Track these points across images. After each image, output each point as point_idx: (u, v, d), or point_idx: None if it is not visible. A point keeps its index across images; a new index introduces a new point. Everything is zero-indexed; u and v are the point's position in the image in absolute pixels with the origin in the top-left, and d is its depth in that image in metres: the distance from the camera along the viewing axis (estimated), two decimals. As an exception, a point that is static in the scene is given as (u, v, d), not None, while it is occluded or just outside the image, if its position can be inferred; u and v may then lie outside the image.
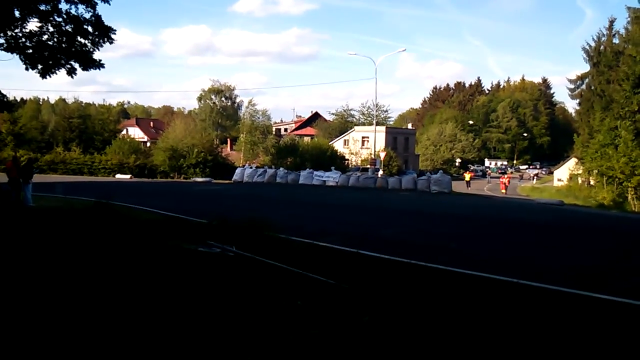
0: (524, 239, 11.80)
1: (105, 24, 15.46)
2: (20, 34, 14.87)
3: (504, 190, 41.19)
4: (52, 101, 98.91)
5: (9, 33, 14.64)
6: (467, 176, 46.11)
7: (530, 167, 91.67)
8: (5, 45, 14.70)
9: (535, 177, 69.15)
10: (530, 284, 6.49)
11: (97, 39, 15.32)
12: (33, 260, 6.41)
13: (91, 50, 15.42)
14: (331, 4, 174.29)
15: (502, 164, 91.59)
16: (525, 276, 6.86)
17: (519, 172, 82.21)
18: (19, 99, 69.09)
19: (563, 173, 53.83)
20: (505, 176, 47.82)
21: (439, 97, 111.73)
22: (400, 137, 61.22)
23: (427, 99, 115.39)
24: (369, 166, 40.59)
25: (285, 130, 79.89)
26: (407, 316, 4.81)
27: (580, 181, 44.88)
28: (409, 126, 75.64)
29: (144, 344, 3.87)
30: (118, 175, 39.76)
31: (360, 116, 73.01)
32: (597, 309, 5.59)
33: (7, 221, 10.06)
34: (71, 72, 15.61)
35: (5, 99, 15.60)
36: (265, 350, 3.87)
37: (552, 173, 65.99)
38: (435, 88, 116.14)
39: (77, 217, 9.83)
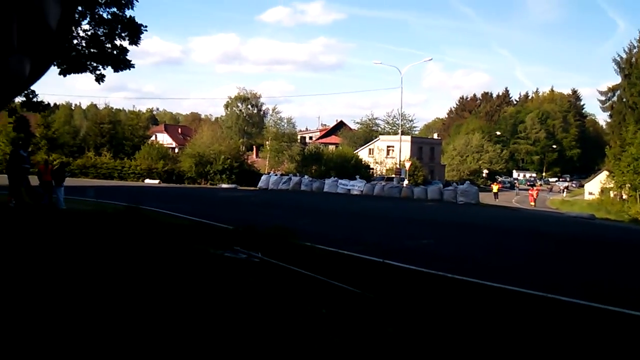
0: (550, 251, 11.54)
1: (136, 21, 15.48)
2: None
3: (532, 203, 40.39)
4: (84, 107, 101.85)
5: None
6: (495, 188, 45.41)
7: (560, 179, 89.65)
8: None
9: (565, 189, 67.63)
10: (559, 298, 6.34)
11: (128, 40, 15.44)
12: (65, 262, 6.57)
13: (120, 52, 15.59)
14: (358, 14, 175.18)
15: (530, 176, 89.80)
16: (545, 289, 6.71)
17: (548, 185, 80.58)
18: (52, 104, 71.23)
19: (594, 186, 52.51)
20: (534, 188, 46.91)
21: (466, 107, 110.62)
22: (425, 147, 60.77)
23: (453, 108, 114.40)
24: (394, 175, 40.39)
25: (310, 138, 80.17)
26: (432, 329, 4.75)
27: (612, 195, 43.71)
28: (435, 136, 75.03)
29: (170, 347, 3.91)
30: (147, 180, 40.49)
31: (386, 125, 72.88)
32: None
33: (40, 223, 10.34)
34: (99, 78, 15.85)
35: (36, 99, 15.95)
36: (288, 357, 3.87)
37: (582, 186, 64.49)
38: (462, 98, 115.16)
39: (107, 221, 10.05)
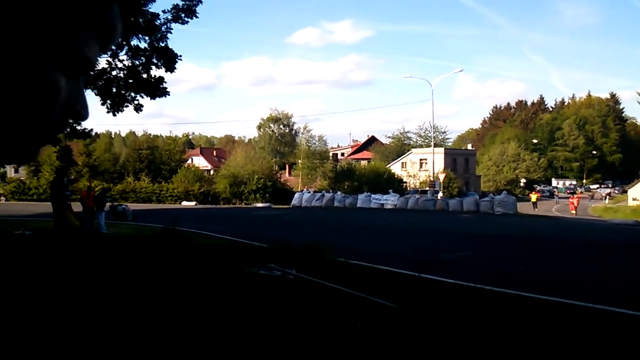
0: (587, 260, 11.15)
1: (172, 51, 16.05)
2: (93, 73, 15.95)
3: (573, 211, 39.10)
4: (123, 134, 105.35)
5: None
6: (534, 197, 44.23)
7: (602, 186, 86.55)
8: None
9: (607, 196, 65.22)
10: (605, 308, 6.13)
11: (164, 68, 15.98)
12: (106, 283, 6.80)
13: (157, 81, 16.14)
14: (387, 30, 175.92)
15: (570, 184, 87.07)
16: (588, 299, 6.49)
17: (589, 192, 77.93)
18: (93, 133, 73.99)
19: (638, 192, 50.52)
20: (575, 196, 45.46)
21: (500, 117, 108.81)
22: (459, 158, 59.97)
23: (487, 118, 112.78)
24: (427, 188, 39.96)
25: (342, 154, 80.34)
26: (470, 343, 4.68)
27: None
28: (469, 147, 73.95)
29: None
30: (184, 203, 41.38)
31: (418, 138, 72.43)
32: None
33: (84, 247, 10.72)
34: (138, 108, 16.44)
35: (79, 128, 16.64)
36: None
37: (625, 192, 62.01)
38: (495, 107, 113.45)
39: (146, 243, 10.33)
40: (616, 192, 75.22)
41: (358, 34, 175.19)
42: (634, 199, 50.82)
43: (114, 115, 16.15)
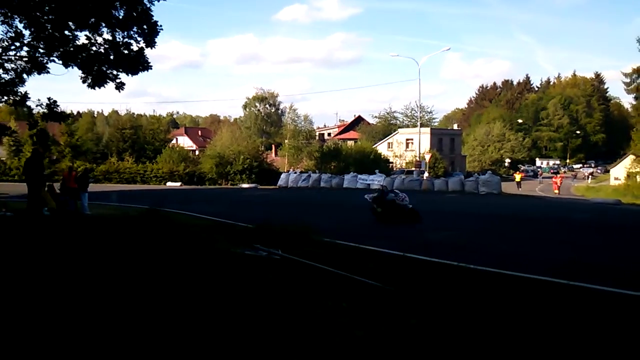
0: (559, 238, 11.33)
1: (153, 20, 15.60)
2: (73, 48, 15.52)
3: (557, 191, 39.66)
4: (105, 113, 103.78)
5: (62, 49, 15.32)
6: (518, 177, 44.73)
7: (585, 165, 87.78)
8: (61, 57, 15.35)
9: (590, 176, 66.21)
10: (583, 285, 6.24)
11: (144, 39, 15.58)
12: (91, 264, 6.73)
13: (138, 54, 15.74)
14: (374, 7, 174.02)
15: (554, 164, 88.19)
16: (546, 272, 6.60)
17: (572, 172, 79.02)
18: (75, 113, 72.72)
19: (620, 171, 51.32)
20: (558, 176, 46.05)
21: (486, 96, 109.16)
22: (445, 138, 60.19)
23: (473, 98, 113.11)
24: (413, 168, 40.13)
25: (329, 134, 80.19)
26: (455, 320, 4.73)
27: (639, 179, 42.64)
28: (455, 127, 74.24)
29: (194, 341, 3.99)
30: (169, 183, 41.07)
31: (404, 118, 72.44)
32: None
33: (66, 228, 10.59)
34: (119, 86, 16.12)
35: (57, 109, 16.28)
36: (310, 350, 3.91)
37: (608, 171, 63.07)
38: (481, 87, 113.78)
39: (131, 224, 10.23)
40: (599, 171, 76.41)
41: (346, 11, 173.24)
42: (616, 178, 51.68)
43: (94, 88, 15.76)
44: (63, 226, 10.80)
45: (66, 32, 15.17)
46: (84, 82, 15.71)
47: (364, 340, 4.11)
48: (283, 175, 39.21)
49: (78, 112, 79.21)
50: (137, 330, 4.20)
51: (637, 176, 42.99)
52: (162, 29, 15.70)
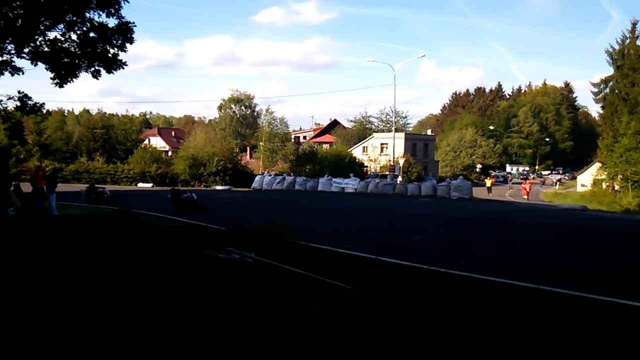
0: (534, 241, 11.61)
1: (127, 21, 15.50)
2: (44, 42, 15.19)
3: (525, 196, 40.59)
4: (76, 112, 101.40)
5: (33, 44, 15.00)
6: (488, 182, 45.59)
7: (553, 172, 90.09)
8: (30, 54, 15.02)
9: (557, 182, 67.98)
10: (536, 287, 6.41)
11: (119, 42, 15.47)
12: (55, 267, 6.57)
13: (114, 52, 15.58)
14: (352, 12, 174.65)
15: (523, 170, 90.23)
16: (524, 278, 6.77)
17: (541, 178, 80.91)
18: (44, 111, 70.89)
19: (586, 178, 52.82)
20: (527, 182, 47.14)
21: (459, 103, 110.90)
22: (419, 144, 60.93)
23: (446, 104, 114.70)
24: (387, 173, 40.47)
25: (304, 137, 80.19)
26: (425, 323, 4.79)
27: (604, 186, 43.98)
28: (429, 132, 75.22)
29: (163, 347, 3.94)
30: (140, 184, 40.42)
31: (379, 123, 72.94)
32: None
33: (32, 229, 10.32)
34: (96, 74, 15.83)
35: (30, 102, 15.90)
36: (281, 354, 3.91)
37: (575, 178, 64.79)
38: (455, 94, 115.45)
39: (100, 226, 10.04)
40: (566, 178, 78.45)
41: (323, 15, 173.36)
42: (583, 185, 53.14)
43: (62, 86, 15.46)
44: (28, 226, 10.52)
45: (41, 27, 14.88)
46: (53, 79, 15.41)
47: (336, 344, 4.13)
48: (258, 178, 39.02)
49: (48, 111, 77.25)
50: (96, 336, 4.12)
51: (603, 183, 44.32)
52: (135, 26, 15.65)
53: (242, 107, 76.80)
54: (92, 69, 15.72)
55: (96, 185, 22.09)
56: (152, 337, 4.11)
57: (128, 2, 15.37)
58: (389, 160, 43.34)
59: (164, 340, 4.06)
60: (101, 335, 4.11)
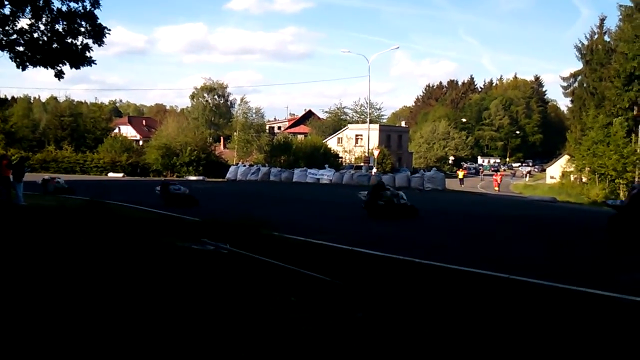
0: (494, 231, 11.85)
1: (99, 22, 15.18)
2: (11, 31, 14.67)
3: (497, 188, 41.38)
4: (43, 99, 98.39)
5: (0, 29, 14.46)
6: (461, 174, 46.29)
7: (523, 164, 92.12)
8: None
9: (527, 174, 69.51)
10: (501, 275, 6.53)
11: (90, 38, 15.09)
12: (23, 259, 6.37)
13: (83, 49, 15.20)
14: (327, 2, 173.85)
15: (494, 162, 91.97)
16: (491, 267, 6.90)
17: (511, 170, 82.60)
18: (9, 97, 68.58)
19: (555, 170, 54.14)
20: (498, 174, 48.06)
21: (432, 95, 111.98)
22: (393, 135, 61.37)
23: (420, 97, 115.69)
24: (362, 164, 40.66)
25: (279, 128, 79.81)
26: (400, 312, 4.82)
27: (572, 178, 45.16)
28: (403, 124, 75.83)
29: (139, 341, 3.85)
30: (110, 174, 39.62)
31: (354, 114, 73.07)
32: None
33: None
34: (59, 74, 15.43)
35: None
36: (257, 346, 3.87)
37: (544, 170, 66.36)
38: (428, 86, 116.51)
39: (69, 216, 9.77)
40: (536, 170, 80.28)
41: (299, 4, 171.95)
42: (552, 177, 54.45)
43: (23, 69, 15.01)
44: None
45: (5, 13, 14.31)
46: (22, 69, 14.93)
47: (312, 334, 4.12)
48: (232, 168, 38.69)
49: (13, 97, 74.57)
50: (60, 329, 4.01)
51: (571, 175, 45.50)
52: (109, 33, 15.38)
53: (215, 96, 75.79)
54: (58, 67, 15.21)
55: (52, 176, 21.59)
56: (114, 328, 4.01)
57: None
58: (364, 152, 43.53)
59: (127, 332, 3.96)
60: (57, 327, 3.99)
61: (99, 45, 15.28)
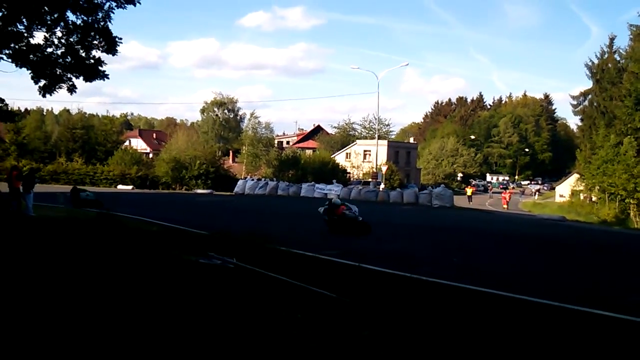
0: (518, 253, 11.75)
1: (112, 34, 15.44)
2: (26, 47, 14.97)
3: (505, 206, 41.10)
4: (56, 112, 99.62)
5: (16, 46, 14.75)
6: (469, 191, 46.05)
7: (532, 182, 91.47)
8: (12, 56, 14.76)
9: (537, 192, 68.96)
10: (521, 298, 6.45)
11: (103, 52, 15.37)
12: (32, 270, 6.40)
13: (96, 63, 15.46)
14: (338, 20, 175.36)
15: (503, 179, 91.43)
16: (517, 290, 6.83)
17: (520, 188, 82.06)
18: (23, 110, 69.66)
19: (565, 189, 53.69)
20: (507, 191, 47.76)
21: (441, 112, 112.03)
22: (402, 151, 61.29)
23: (429, 113, 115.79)
24: (370, 179, 40.58)
25: (288, 143, 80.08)
26: (406, 330, 4.77)
27: (582, 197, 44.74)
28: (411, 140, 75.77)
29: (145, 355, 3.84)
30: (120, 186, 39.84)
31: (363, 130, 73.18)
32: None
33: (7, 230, 10.05)
34: (72, 89, 15.68)
35: (6, 109, 15.63)
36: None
37: (553, 189, 65.83)
38: (437, 103, 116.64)
39: (78, 228, 9.82)
40: (545, 188, 79.69)
41: (309, 21, 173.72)
42: (561, 196, 53.99)
43: (44, 97, 15.38)
44: (2, 227, 10.25)
45: (20, 29, 14.61)
46: (35, 83, 15.20)
47: (318, 352, 4.08)
48: (240, 182, 38.76)
49: (26, 109, 75.65)
50: (72, 342, 4.01)
51: (581, 194, 45.09)
52: (121, 42, 15.65)
53: (225, 111, 76.44)
54: (70, 82, 15.48)
55: (79, 187, 21.20)
56: (126, 342, 4.00)
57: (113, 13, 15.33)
58: (372, 167, 43.48)
59: (137, 345, 3.95)
60: (67, 337, 3.99)
61: (112, 55, 15.52)
